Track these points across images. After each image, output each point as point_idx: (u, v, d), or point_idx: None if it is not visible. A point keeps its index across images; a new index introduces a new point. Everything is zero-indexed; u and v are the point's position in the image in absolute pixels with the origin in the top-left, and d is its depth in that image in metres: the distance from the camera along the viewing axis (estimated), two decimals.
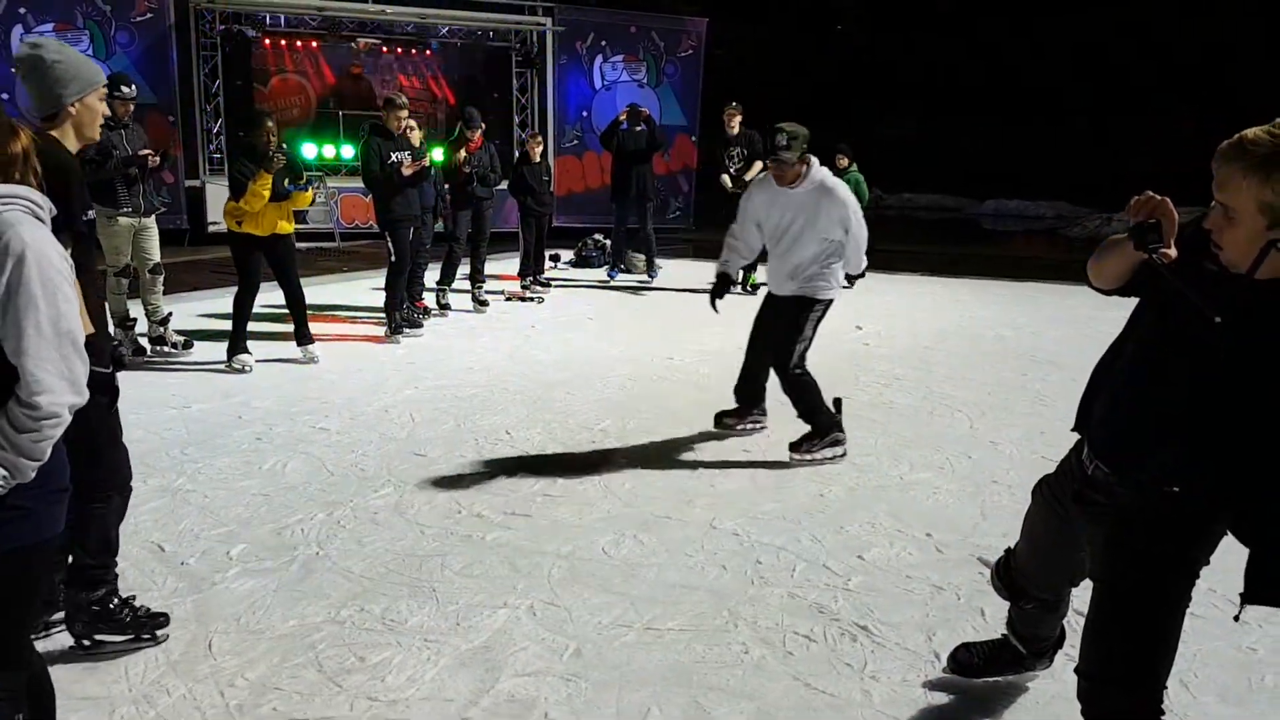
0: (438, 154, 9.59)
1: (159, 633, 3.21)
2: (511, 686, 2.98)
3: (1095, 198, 22.35)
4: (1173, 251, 2.04)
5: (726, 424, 5.71)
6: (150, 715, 2.81)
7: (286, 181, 6.93)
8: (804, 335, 5.17)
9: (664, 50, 17.74)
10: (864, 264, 5.42)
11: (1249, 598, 2.09)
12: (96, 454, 3.03)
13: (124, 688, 2.96)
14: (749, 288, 11.26)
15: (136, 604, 3.25)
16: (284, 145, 7.12)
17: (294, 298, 7.21)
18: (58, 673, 2.99)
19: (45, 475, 2.03)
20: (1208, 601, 3.45)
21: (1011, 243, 20.52)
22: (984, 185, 25.98)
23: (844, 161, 11.90)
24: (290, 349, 7.47)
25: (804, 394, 5.17)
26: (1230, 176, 1.95)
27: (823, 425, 5.18)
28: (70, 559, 3.16)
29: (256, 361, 7.13)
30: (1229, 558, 3.82)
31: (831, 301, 5.26)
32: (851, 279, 5.83)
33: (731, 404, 5.73)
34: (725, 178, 11.18)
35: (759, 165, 11.23)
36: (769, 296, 5.48)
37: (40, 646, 3.05)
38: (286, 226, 7.06)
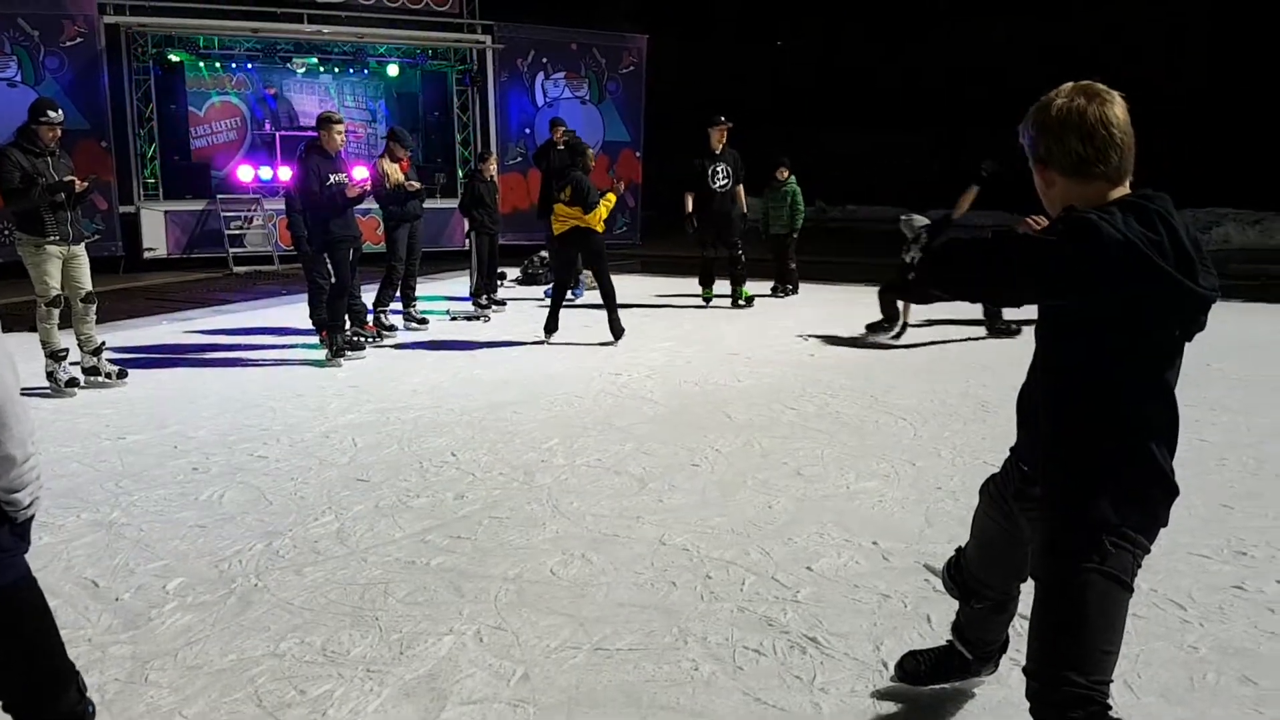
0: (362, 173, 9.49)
1: None
2: (457, 715, 2.91)
3: (1036, 208, 22.66)
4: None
5: None
6: None
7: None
8: None
9: (605, 67, 17.80)
10: None
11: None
12: None
13: None
14: (742, 301, 11.30)
15: None
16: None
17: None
18: None
19: None
20: (1149, 601, 3.50)
21: None
22: (925, 198, 26.31)
23: (784, 173, 12.04)
24: (235, 374, 7.32)
25: None
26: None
27: None
28: None
29: (189, 389, 7.01)
30: (1171, 559, 3.88)
31: None
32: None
33: (683, 423, 5.72)
34: (689, 198, 10.97)
35: (741, 189, 11.20)
36: None
37: None
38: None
